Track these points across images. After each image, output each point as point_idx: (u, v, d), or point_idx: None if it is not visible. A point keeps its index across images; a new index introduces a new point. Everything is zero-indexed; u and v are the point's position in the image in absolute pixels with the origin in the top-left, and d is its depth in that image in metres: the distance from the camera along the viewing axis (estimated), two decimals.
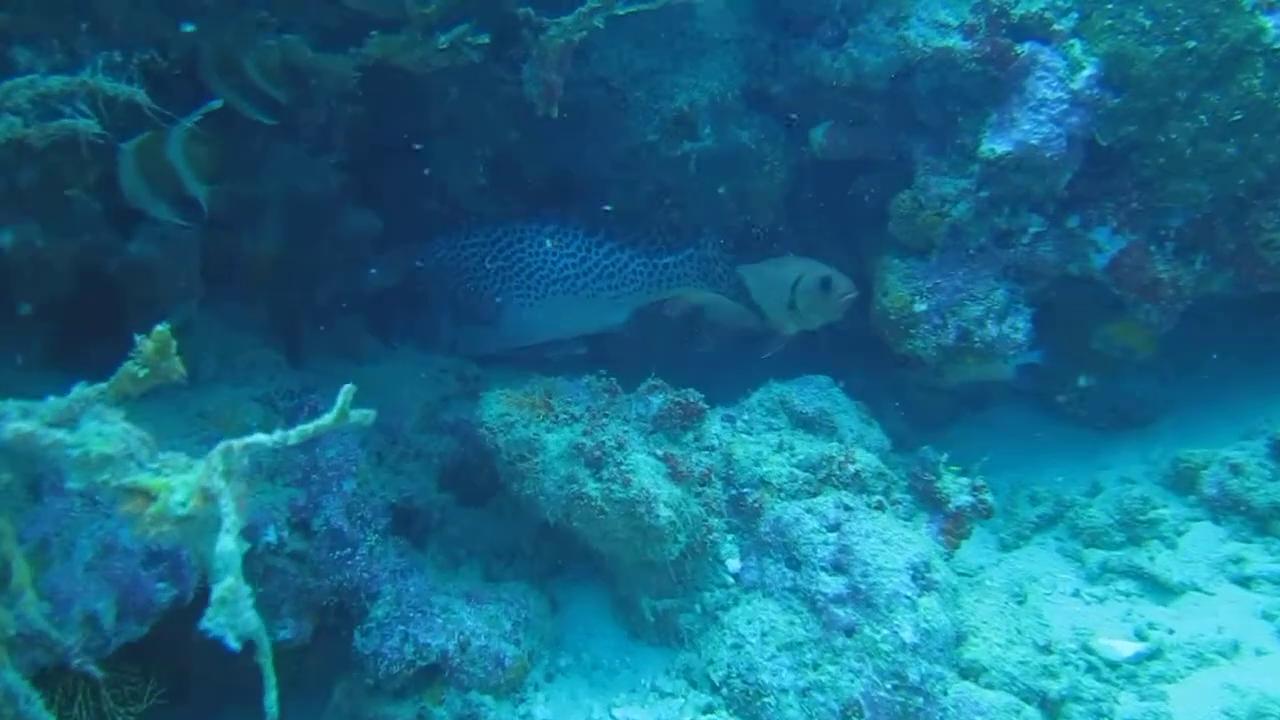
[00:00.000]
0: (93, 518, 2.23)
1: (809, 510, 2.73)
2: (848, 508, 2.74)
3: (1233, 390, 3.48)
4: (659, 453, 2.67)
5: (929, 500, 2.90)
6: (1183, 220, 3.07)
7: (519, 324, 3.27)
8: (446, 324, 3.15)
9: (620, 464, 2.58)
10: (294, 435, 1.44)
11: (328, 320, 3.65)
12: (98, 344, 3.11)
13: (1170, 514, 3.07)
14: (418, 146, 3.18)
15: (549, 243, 3.34)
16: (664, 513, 2.55)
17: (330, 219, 3.41)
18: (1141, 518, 3.07)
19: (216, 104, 2.44)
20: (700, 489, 2.73)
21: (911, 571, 2.54)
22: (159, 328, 1.40)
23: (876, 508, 2.79)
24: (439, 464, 3.17)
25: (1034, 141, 3.01)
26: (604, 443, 2.61)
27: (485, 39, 2.40)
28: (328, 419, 1.45)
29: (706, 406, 2.87)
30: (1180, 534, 3.04)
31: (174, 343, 1.45)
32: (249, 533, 2.50)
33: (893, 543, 2.60)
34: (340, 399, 1.44)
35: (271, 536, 2.53)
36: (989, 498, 2.89)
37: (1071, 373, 3.57)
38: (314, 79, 2.51)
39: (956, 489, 2.89)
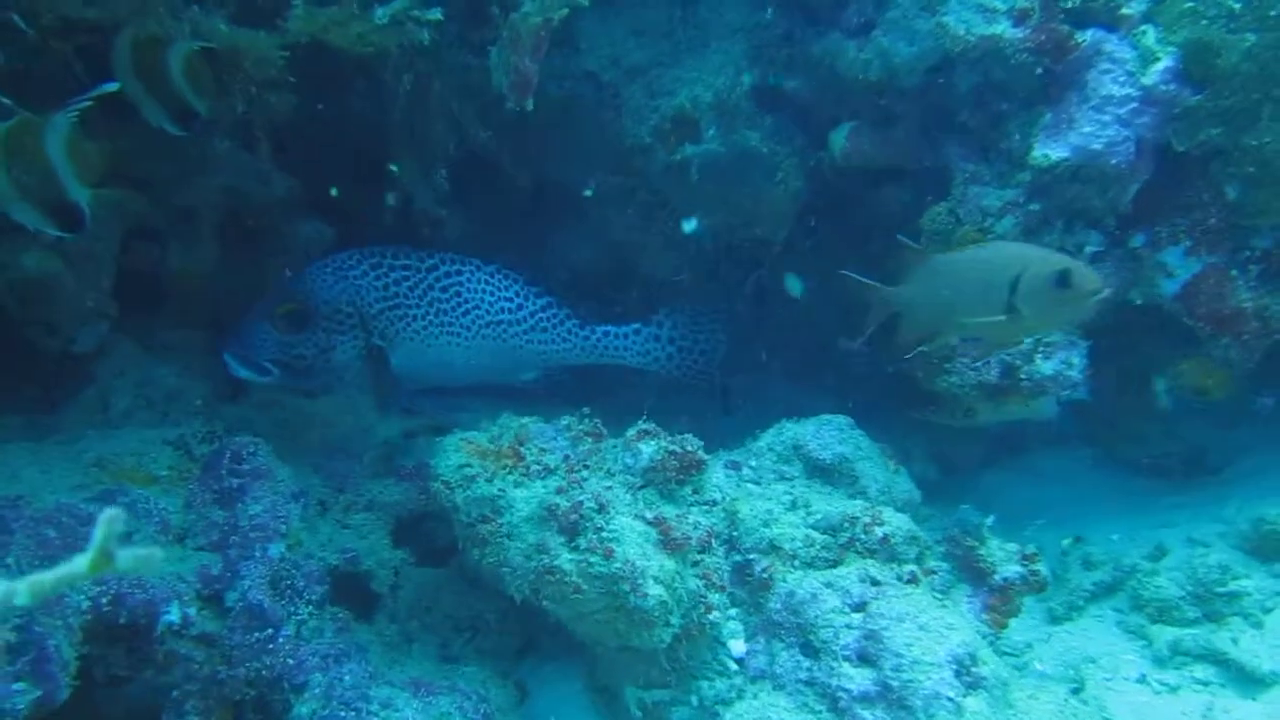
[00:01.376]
0: None
1: (829, 585, 2.26)
2: (875, 582, 2.27)
3: None
4: (649, 515, 2.20)
5: (970, 571, 2.44)
6: (1271, 241, 2.62)
7: (439, 362, 2.81)
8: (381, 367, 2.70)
9: (601, 530, 2.12)
10: (23, 590, 0.98)
11: None
12: None
13: (1254, 586, 2.60)
14: (362, 145, 2.73)
15: (488, 281, 2.85)
16: (653, 591, 2.08)
17: (275, 229, 2.96)
18: (1220, 590, 2.60)
19: (111, 87, 1.99)
20: (699, 557, 2.27)
21: (955, 666, 2.07)
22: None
23: (909, 581, 2.32)
24: (394, 515, 2.71)
25: (1096, 146, 2.56)
26: (582, 503, 2.14)
27: (436, 14, 1.96)
28: (79, 565, 0.98)
29: (706, 457, 2.40)
30: (1268, 611, 2.57)
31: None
32: (145, 610, 2.04)
33: (931, 629, 2.13)
34: (99, 530, 0.97)
35: (174, 615, 2.06)
36: (1041, 569, 2.42)
37: (1128, 414, 3.11)
38: (229, 62, 2.06)
39: (1003, 557, 2.43)
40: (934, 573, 2.41)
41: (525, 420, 2.49)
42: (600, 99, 3.14)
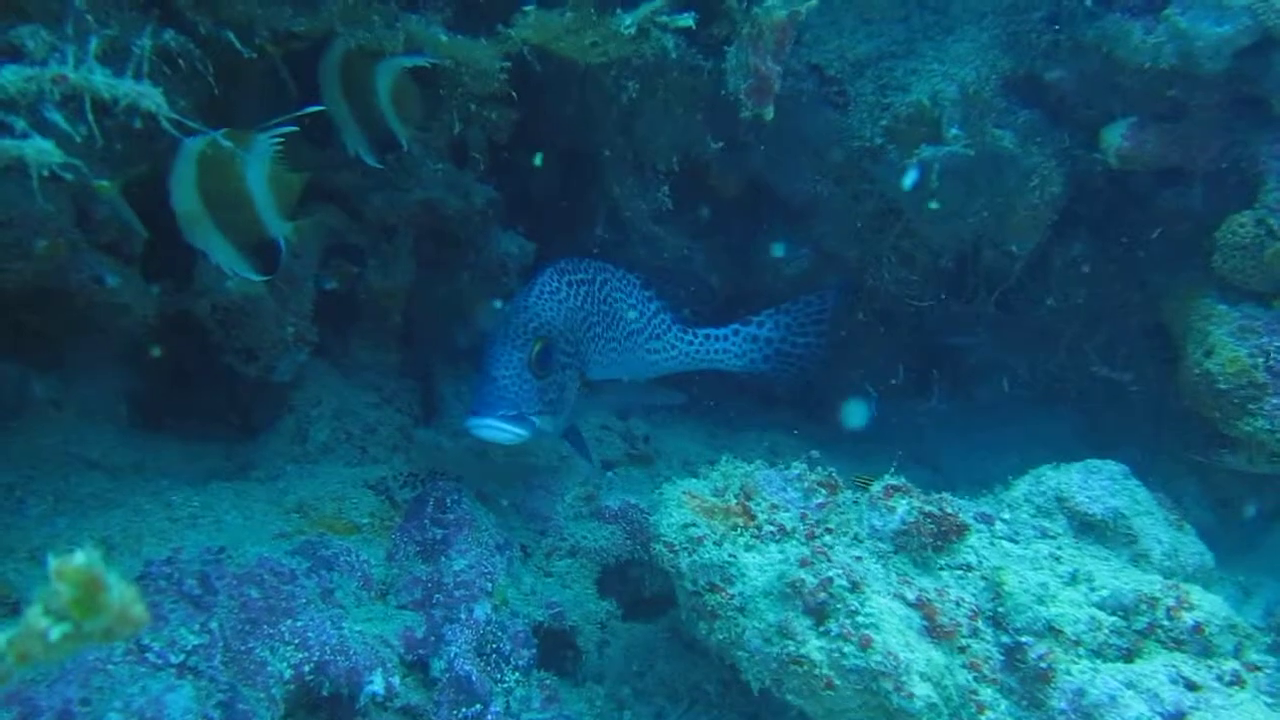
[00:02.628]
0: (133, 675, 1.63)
1: (1130, 685, 1.86)
2: (1192, 685, 1.85)
3: None
4: (910, 595, 1.86)
5: None
6: None
7: (598, 378, 2.53)
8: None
9: (855, 614, 1.79)
10: None
11: (468, 365, 3.02)
12: (191, 403, 2.59)
13: None
14: (582, 159, 2.49)
15: (622, 286, 2.52)
16: (920, 690, 1.74)
17: (473, 244, 2.77)
18: None
19: (316, 109, 1.80)
20: (966, 641, 1.91)
21: None
22: (77, 557, 0.73)
23: (1232, 683, 1.89)
24: (599, 562, 2.47)
25: None
26: (832, 580, 1.83)
27: (688, 20, 1.67)
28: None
29: (970, 521, 2.04)
30: None
31: (109, 581, 0.77)
32: (349, 679, 1.86)
33: None
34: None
35: (378, 686, 1.88)
36: None
37: None
38: (446, 75, 1.84)
39: None
40: (1259, 669, 1.96)
41: (751, 468, 2.19)
42: (823, 95, 2.80)
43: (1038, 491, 2.39)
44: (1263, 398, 2.35)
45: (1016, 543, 2.31)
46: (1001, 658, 1.97)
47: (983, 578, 2.09)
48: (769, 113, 1.97)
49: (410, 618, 2.00)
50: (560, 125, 2.53)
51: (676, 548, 1.97)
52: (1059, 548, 2.28)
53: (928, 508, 2.03)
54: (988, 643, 1.95)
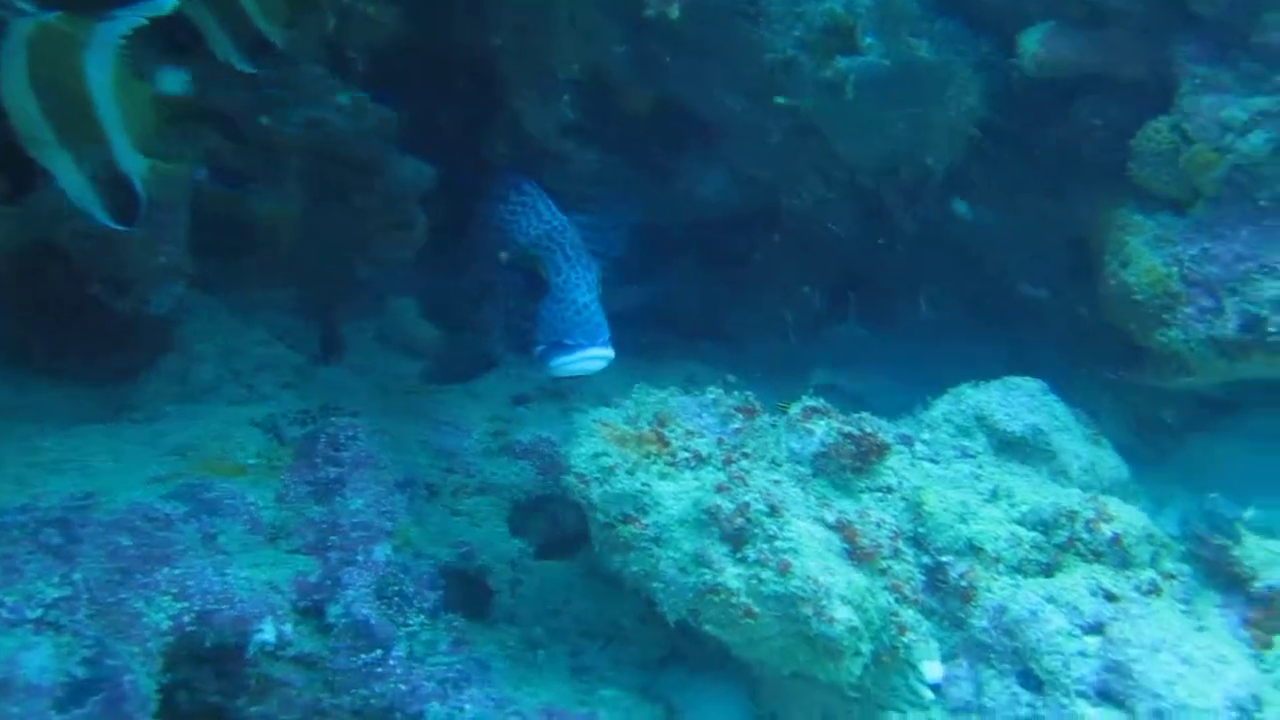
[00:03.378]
0: None
1: (1051, 599, 1.83)
2: (1111, 596, 1.83)
3: None
4: (830, 517, 1.79)
5: (1221, 576, 1.97)
6: None
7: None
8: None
9: (774, 538, 1.72)
10: None
11: (371, 299, 2.85)
12: (59, 342, 2.38)
13: None
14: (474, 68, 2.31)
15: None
16: (841, 615, 1.68)
17: (368, 168, 2.58)
18: None
19: (167, 6, 1.59)
20: (888, 563, 1.85)
21: (1235, 713, 1.62)
22: None
23: (1150, 592, 1.87)
24: (510, 499, 2.36)
25: None
26: (749, 505, 1.74)
27: None
28: None
29: (890, 440, 1.97)
30: None
31: None
32: (235, 628, 1.72)
33: (1197, 662, 1.69)
34: None
35: (268, 634, 1.75)
36: None
37: None
38: None
39: (1265, 559, 1.95)
40: (1174, 577, 1.95)
41: (665, 394, 2.09)
42: (734, 5, 2.66)
43: (957, 411, 2.35)
44: (1177, 307, 2.32)
45: (937, 463, 2.28)
46: (923, 578, 1.93)
47: (904, 499, 2.05)
48: (674, 10, 1.83)
49: (304, 562, 1.87)
50: (452, 29, 2.35)
51: (588, 479, 1.86)
52: (979, 466, 2.25)
53: (847, 429, 1.96)
54: (909, 564, 1.90)
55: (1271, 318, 2.24)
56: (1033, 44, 2.45)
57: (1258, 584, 1.93)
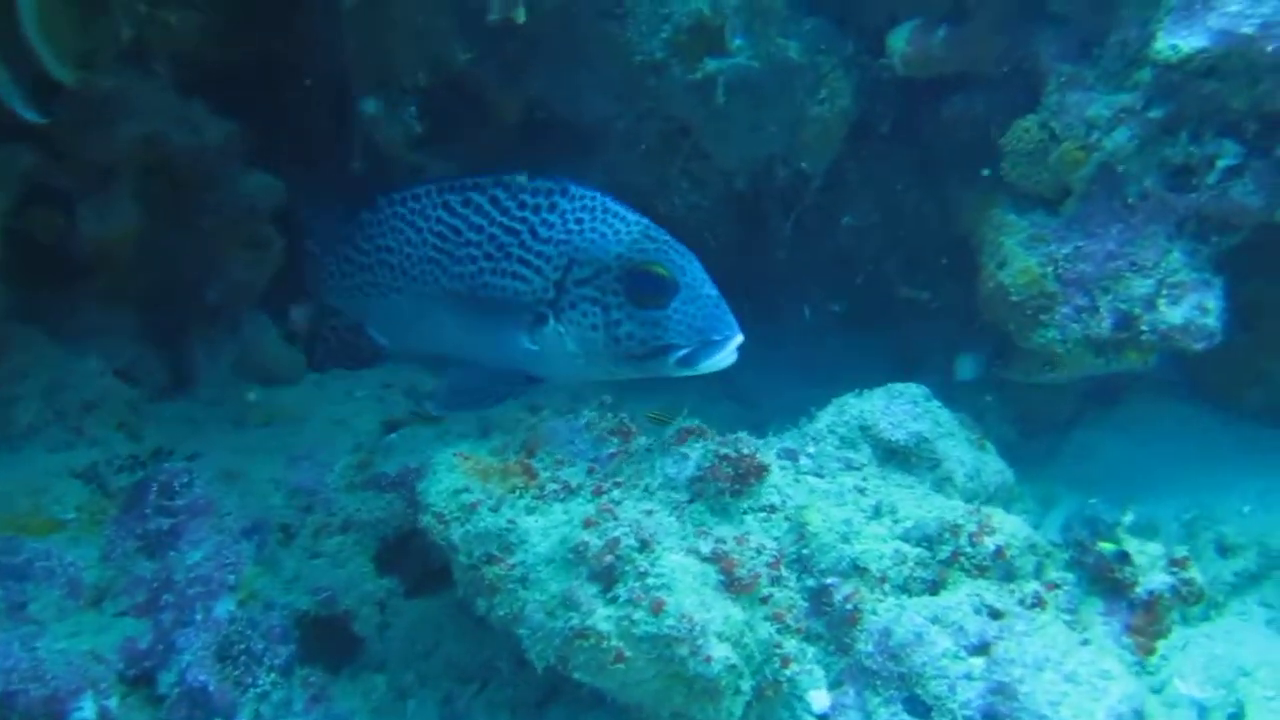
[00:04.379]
0: None
1: (936, 619, 1.76)
2: (996, 613, 1.78)
3: None
4: (705, 548, 1.69)
5: (1104, 582, 1.94)
6: None
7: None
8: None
9: (646, 575, 1.61)
10: None
11: (225, 326, 2.65)
12: None
13: None
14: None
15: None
16: (719, 653, 1.58)
17: (211, 185, 2.39)
18: None
19: None
20: (769, 591, 1.76)
21: None
22: None
23: (1035, 605, 1.82)
24: (377, 535, 2.20)
25: (1247, 30, 2.00)
26: (619, 540, 1.63)
27: None
28: None
29: (768, 461, 1.89)
30: None
31: None
32: (46, 709, 1.54)
33: (1081, 679, 1.64)
34: None
35: (88, 711, 1.57)
36: (1195, 575, 1.93)
37: (1251, 353, 2.59)
38: None
39: (1145, 564, 1.93)
40: (1058, 586, 1.91)
41: (535, 419, 1.97)
42: (599, 5, 2.55)
43: (841, 421, 2.29)
44: (1054, 307, 2.31)
45: (822, 477, 2.21)
46: (807, 604, 1.85)
47: (787, 519, 1.97)
48: (520, 15, 1.71)
49: (132, 625, 1.70)
50: (291, 38, 2.18)
51: (447, 517, 1.73)
52: (864, 479, 2.18)
53: (724, 450, 1.87)
54: (791, 590, 1.82)
55: (1143, 315, 2.24)
56: (900, 42, 2.40)
57: (1139, 589, 1.91)
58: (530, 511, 1.76)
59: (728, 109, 2.51)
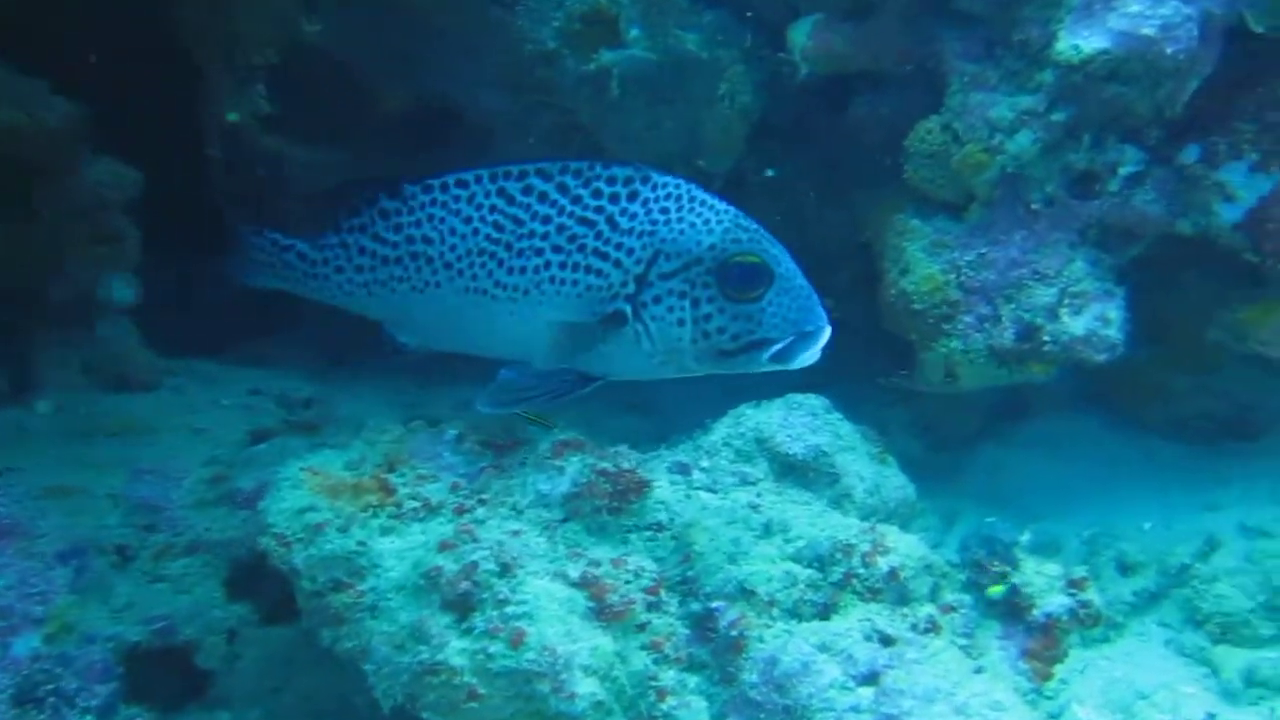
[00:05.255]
0: None
1: (824, 647, 1.65)
2: (887, 639, 1.67)
3: None
4: (574, 572, 1.55)
5: (1001, 605, 1.85)
6: None
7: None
8: None
9: (505, 603, 1.46)
10: None
11: (76, 327, 2.43)
12: None
13: None
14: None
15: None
16: (584, 689, 1.44)
17: (53, 173, 2.18)
18: None
19: None
20: (646, 617, 1.63)
21: None
22: None
23: (928, 630, 1.72)
24: (228, 557, 2.01)
25: (1148, 31, 1.94)
26: (476, 565, 1.48)
27: None
28: None
29: (649, 477, 1.75)
30: None
31: None
32: None
33: (972, 711, 1.54)
34: None
35: None
36: (1094, 597, 1.85)
37: (1154, 367, 2.55)
38: None
39: (1043, 585, 1.86)
40: (954, 609, 1.82)
41: (402, 431, 1.81)
42: None
43: (737, 434, 2.17)
44: (956, 316, 2.23)
45: (715, 492, 2.09)
46: (688, 631, 1.72)
47: (674, 538, 1.83)
48: None
49: None
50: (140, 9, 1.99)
51: (290, 539, 1.56)
52: (759, 495, 2.07)
53: (602, 465, 1.73)
54: (672, 616, 1.69)
55: (1045, 326, 2.16)
56: (802, 37, 2.30)
57: (1036, 612, 1.83)
58: (385, 532, 1.59)
59: (623, 103, 2.39)
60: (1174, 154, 2.13)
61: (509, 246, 1.76)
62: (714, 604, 1.75)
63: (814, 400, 2.24)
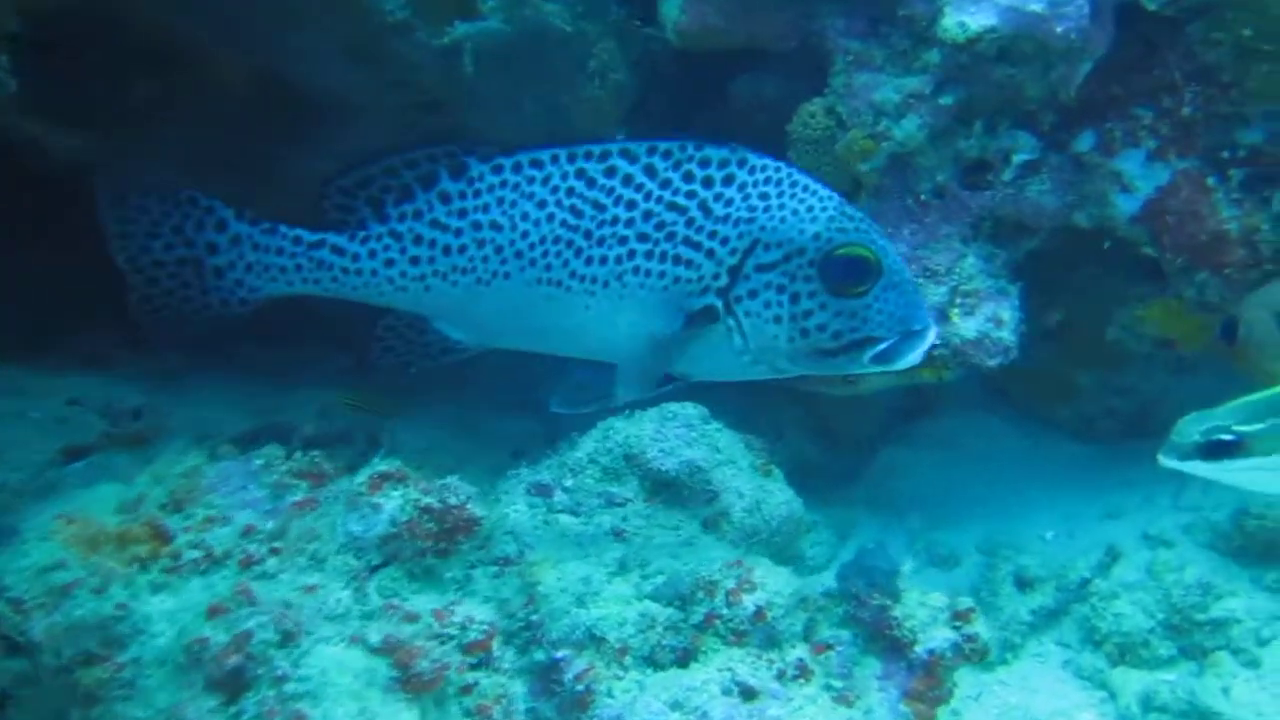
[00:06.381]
0: None
1: (677, 705, 1.46)
2: (748, 691, 1.49)
3: None
4: (375, 636, 1.33)
5: (882, 640, 1.67)
6: (1264, 134, 1.91)
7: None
8: None
9: (285, 679, 1.24)
10: None
11: None
12: None
13: (1244, 608, 1.95)
14: None
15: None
16: None
17: None
18: (1200, 617, 1.94)
19: None
20: (472, 677, 1.42)
21: None
22: None
23: (797, 677, 1.54)
24: None
25: (1036, 8, 1.78)
26: (251, 634, 1.25)
27: None
28: None
29: (480, 514, 1.54)
30: (1264, 644, 1.93)
31: None
32: None
33: None
34: None
35: None
36: (980, 630, 1.68)
37: (1056, 364, 2.42)
38: None
39: (926, 618, 1.68)
40: (830, 647, 1.65)
41: (196, 461, 1.57)
42: None
43: (605, 449, 1.99)
44: None
45: (578, 516, 1.92)
46: (526, 688, 1.51)
47: (519, 578, 1.63)
48: None
49: None
50: None
51: (28, 605, 1.31)
52: (625, 519, 1.90)
53: (427, 500, 1.51)
54: (503, 675, 1.48)
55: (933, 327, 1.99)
56: (674, 10, 2.09)
57: (918, 648, 1.65)
58: (157, 590, 1.37)
59: (480, 81, 2.15)
60: (1069, 141, 1.98)
61: (588, 234, 1.57)
62: (559, 653, 1.55)
63: (690, 410, 2.06)
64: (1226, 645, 1.92)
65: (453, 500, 1.51)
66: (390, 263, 1.62)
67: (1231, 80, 1.86)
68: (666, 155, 1.58)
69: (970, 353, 1.98)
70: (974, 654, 1.69)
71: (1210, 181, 1.94)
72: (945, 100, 1.93)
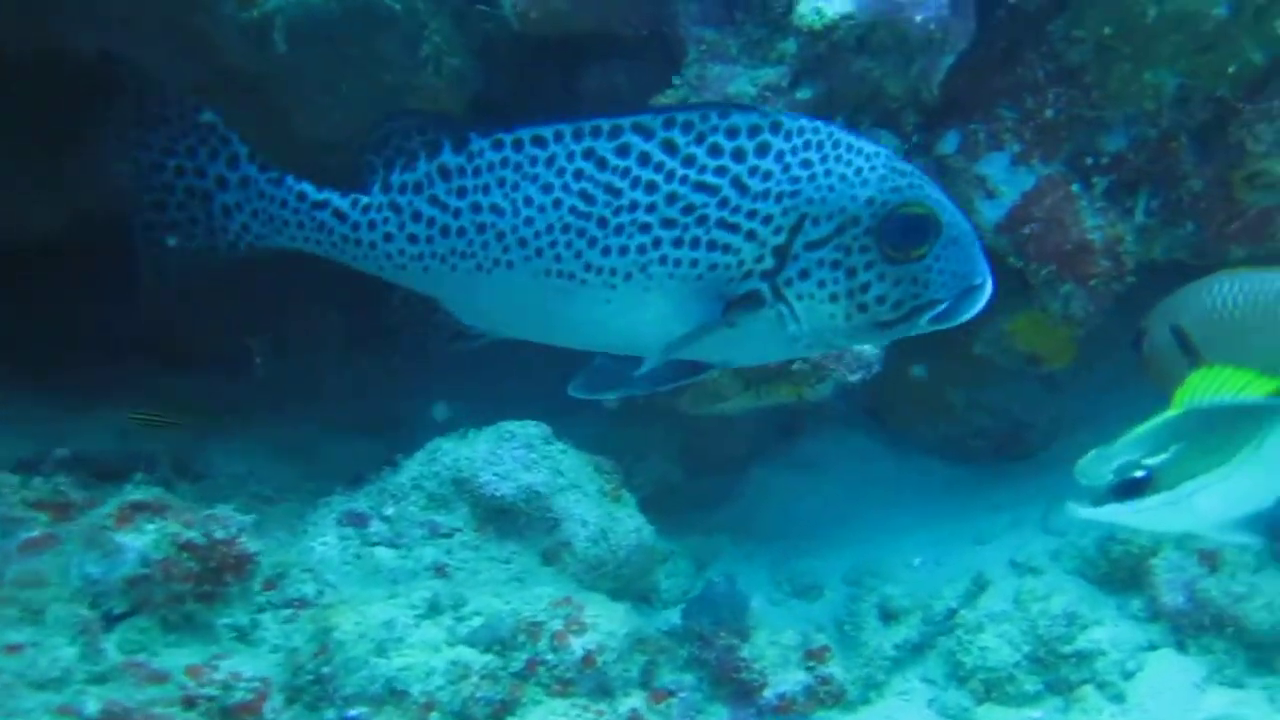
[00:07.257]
0: None
1: None
2: None
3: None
4: (92, 706, 1.08)
5: (730, 684, 1.50)
6: (1126, 140, 1.83)
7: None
8: None
9: None
10: None
11: None
12: None
13: (1109, 638, 1.85)
14: None
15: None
16: None
17: None
18: (1066, 649, 1.83)
19: None
20: None
21: None
22: None
23: None
24: None
25: None
26: None
27: None
28: None
29: (253, 550, 1.31)
30: (1129, 676, 1.82)
31: None
32: None
33: None
34: None
35: None
36: (835, 670, 1.54)
37: (935, 386, 2.32)
38: None
39: (776, 658, 1.53)
40: (671, 694, 1.48)
41: None
42: None
43: (431, 473, 1.79)
44: None
45: (396, 548, 1.71)
46: None
47: (314, 620, 1.40)
48: None
49: None
50: None
51: None
52: (449, 551, 1.70)
53: (188, 535, 1.27)
54: None
55: None
56: None
57: (768, 692, 1.49)
58: None
59: (295, 61, 1.92)
60: (931, 142, 1.86)
61: (603, 222, 1.40)
62: (352, 711, 1.33)
63: (531, 429, 1.87)
64: (1092, 679, 1.81)
65: (220, 534, 1.28)
66: (389, 237, 1.46)
67: (1093, 81, 1.78)
68: (687, 127, 1.39)
69: (831, 367, 1.84)
70: (829, 697, 1.55)
71: (1075, 188, 1.85)
72: (803, 94, 1.79)
